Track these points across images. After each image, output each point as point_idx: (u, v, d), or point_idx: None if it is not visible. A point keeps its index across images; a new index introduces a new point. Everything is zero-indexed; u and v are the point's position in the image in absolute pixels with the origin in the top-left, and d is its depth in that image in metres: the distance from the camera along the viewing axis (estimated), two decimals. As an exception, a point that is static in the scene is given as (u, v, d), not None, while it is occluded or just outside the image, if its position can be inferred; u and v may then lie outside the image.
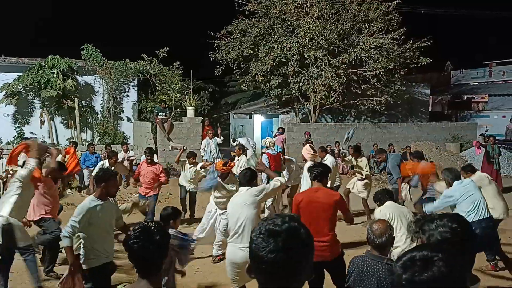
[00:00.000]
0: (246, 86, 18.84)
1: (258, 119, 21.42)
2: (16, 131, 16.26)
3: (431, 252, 1.47)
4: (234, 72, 19.20)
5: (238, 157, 9.88)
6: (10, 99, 15.77)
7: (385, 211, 5.50)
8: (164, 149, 15.67)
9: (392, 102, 18.11)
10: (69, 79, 16.19)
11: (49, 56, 16.21)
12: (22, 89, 16.16)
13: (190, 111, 16.39)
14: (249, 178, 5.25)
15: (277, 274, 1.46)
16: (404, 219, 5.43)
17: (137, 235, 2.43)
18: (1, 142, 15.80)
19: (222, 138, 15.28)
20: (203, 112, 19.86)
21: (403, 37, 17.66)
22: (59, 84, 15.75)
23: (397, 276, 1.48)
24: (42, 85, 15.82)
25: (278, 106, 20.39)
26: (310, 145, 9.73)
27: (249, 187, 5.17)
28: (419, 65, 18.37)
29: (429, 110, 23.67)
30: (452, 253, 1.53)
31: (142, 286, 2.37)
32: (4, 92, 15.73)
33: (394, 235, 3.84)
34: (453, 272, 1.43)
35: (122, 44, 24.81)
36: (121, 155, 14.01)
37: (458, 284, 1.44)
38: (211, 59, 18.50)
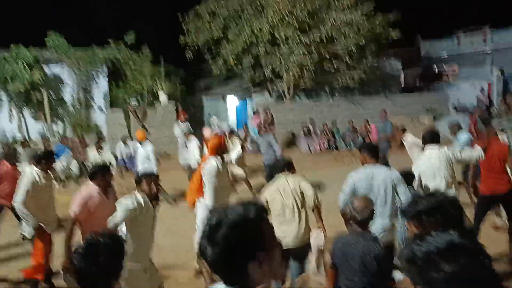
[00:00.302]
0: (218, 69, 18.66)
1: (232, 101, 21.28)
2: (-15, 127, 15.80)
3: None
4: (205, 56, 18.92)
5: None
6: (-25, 95, 15.28)
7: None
8: (139, 137, 15.44)
9: (365, 78, 18.18)
10: (36, 70, 15.71)
11: (12, 46, 15.64)
12: (-13, 83, 15.64)
13: (163, 97, 16.18)
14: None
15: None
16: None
17: (81, 254, 2.18)
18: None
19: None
20: (175, 97, 19.60)
21: (372, 12, 17.68)
22: (25, 76, 15.28)
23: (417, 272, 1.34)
24: (8, 78, 15.33)
25: (252, 87, 20.29)
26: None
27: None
28: (389, 39, 18.43)
29: (402, 83, 23.90)
30: None
31: None
32: (-32, 88, 15.22)
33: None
34: None
35: (86, 29, 24.05)
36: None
37: None
38: (181, 43, 18.22)
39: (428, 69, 25.82)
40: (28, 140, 14.56)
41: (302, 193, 4.87)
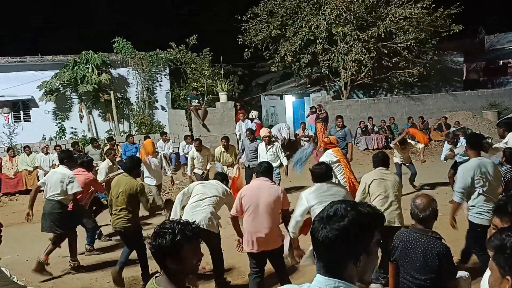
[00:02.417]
0: (276, 67, 18.88)
1: (289, 99, 21.43)
2: (58, 127, 16.84)
3: None
4: (263, 54, 19.21)
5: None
6: (50, 96, 16.32)
7: None
8: (200, 136, 15.96)
9: (424, 73, 17.79)
10: (103, 73, 16.59)
11: (83, 52, 16.63)
12: (60, 85, 16.66)
13: (223, 96, 16.59)
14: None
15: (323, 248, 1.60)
16: None
17: (157, 233, 2.42)
18: (45, 139, 16.41)
19: (255, 119, 15.63)
20: (234, 96, 20.02)
21: (433, 5, 17.27)
22: (94, 78, 16.18)
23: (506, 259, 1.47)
24: (79, 81, 16.29)
25: (309, 85, 20.35)
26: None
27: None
28: (451, 33, 17.91)
29: (464, 78, 23.14)
30: None
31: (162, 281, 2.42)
32: (43, 90, 16.27)
33: None
34: None
35: (150, 33, 25.12)
36: (160, 143, 14.48)
37: None
38: (239, 42, 18.61)
39: (492, 63, 24.81)
40: (97, 139, 15.39)
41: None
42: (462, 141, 9.32)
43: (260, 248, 5.00)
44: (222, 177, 6.31)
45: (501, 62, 24.73)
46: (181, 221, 2.52)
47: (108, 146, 14.10)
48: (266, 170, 5.32)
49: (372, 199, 5.61)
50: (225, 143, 10.31)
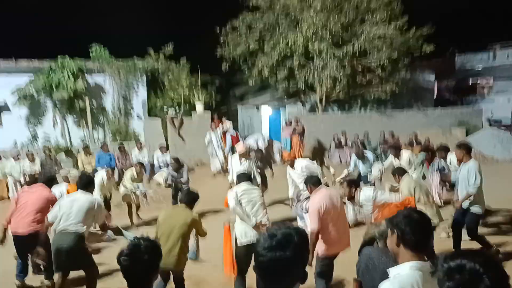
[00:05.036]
0: (253, 80, 19.07)
1: (266, 111, 21.65)
2: (30, 133, 16.64)
3: (481, 266, 1.65)
4: (241, 68, 19.44)
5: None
6: (23, 102, 16.13)
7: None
8: (175, 146, 16.01)
9: (397, 90, 18.29)
10: (79, 79, 16.48)
11: (59, 57, 16.49)
12: (34, 91, 16.48)
13: (199, 107, 16.69)
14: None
15: (269, 270, 1.75)
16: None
17: (127, 253, 2.54)
18: (16, 144, 16.18)
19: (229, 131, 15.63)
20: (211, 106, 20.12)
21: (406, 26, 17.80)
22: (70, 86, 16.07)
23: (439, 281, 1.73)
24: (54, 87, 16.15)
25: (285, 98, 20.64)
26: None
27: None
28: (422, 53, 18.47)
29: (435, 96, 23.82)
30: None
31: None
32: (17, 95, 16.07)
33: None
34: None
35: (128, 40, 25.05)
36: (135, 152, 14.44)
37: None
38: (217, 55, 18.79)
39: (462, 82, 25.63)
40: (70, 146, 15.24)
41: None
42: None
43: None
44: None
45: (470, 81, 25.57)
46: (135, 239, 2.68)
47: (82, 154, 14.04)
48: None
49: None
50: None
